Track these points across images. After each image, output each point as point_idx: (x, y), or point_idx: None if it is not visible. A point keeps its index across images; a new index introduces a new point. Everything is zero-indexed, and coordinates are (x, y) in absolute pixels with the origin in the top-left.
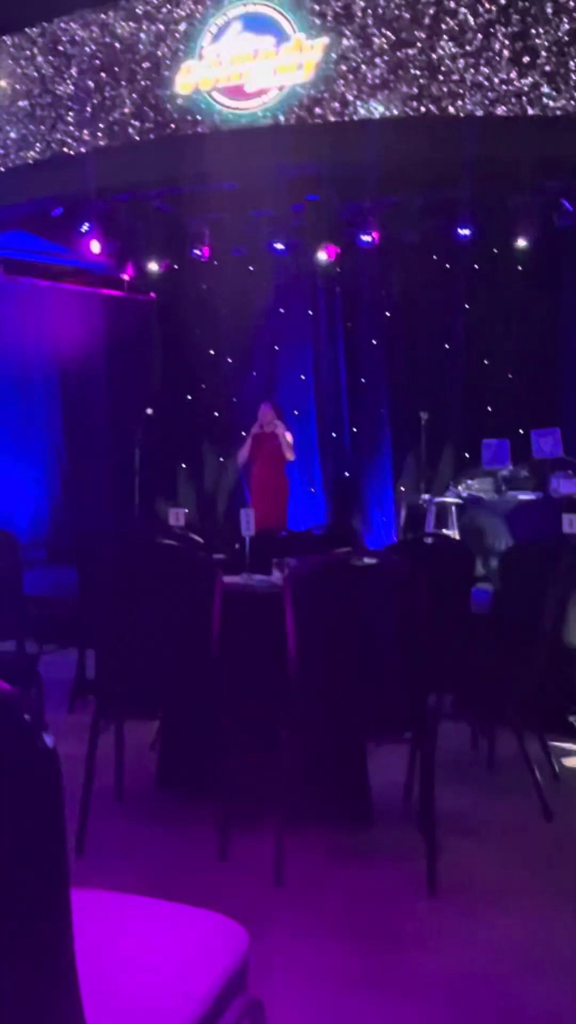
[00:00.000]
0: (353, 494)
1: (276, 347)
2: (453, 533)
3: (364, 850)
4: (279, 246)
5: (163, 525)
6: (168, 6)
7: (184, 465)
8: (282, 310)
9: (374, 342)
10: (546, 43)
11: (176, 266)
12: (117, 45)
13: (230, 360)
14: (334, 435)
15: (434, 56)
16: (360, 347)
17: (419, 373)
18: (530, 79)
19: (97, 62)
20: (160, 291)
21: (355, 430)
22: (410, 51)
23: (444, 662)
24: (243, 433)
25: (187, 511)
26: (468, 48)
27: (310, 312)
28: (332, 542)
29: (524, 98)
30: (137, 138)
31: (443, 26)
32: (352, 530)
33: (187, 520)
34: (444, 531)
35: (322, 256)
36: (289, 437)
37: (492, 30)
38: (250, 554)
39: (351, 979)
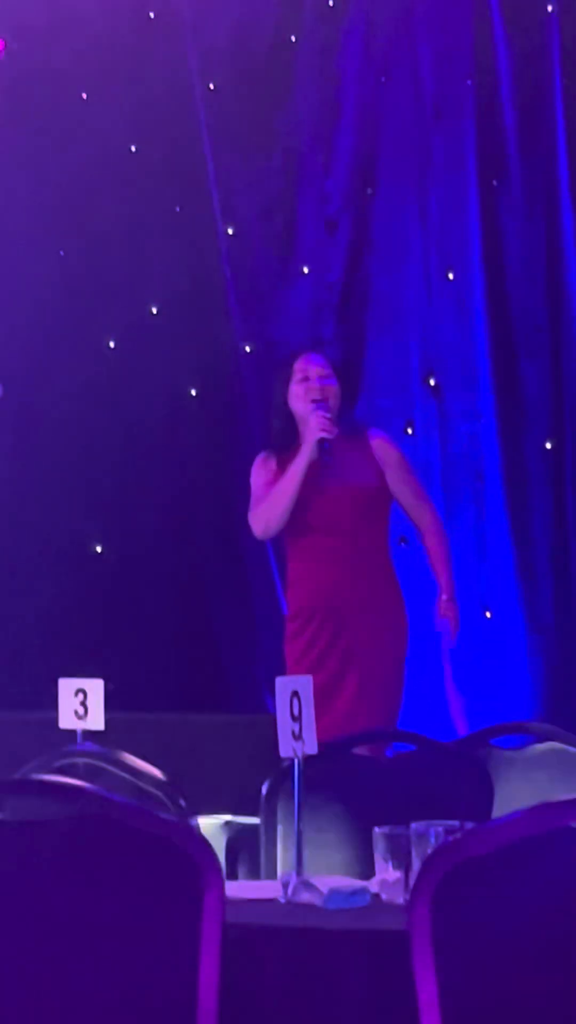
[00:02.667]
0: None
1: (368, 190)
2: None
3: None
4: None
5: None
6: None
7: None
8: (382, 77)
9: None
10: None
11: None
12: None
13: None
14: (548, 446)
15: None
16: None
17: None
18: None
19: None
20: None
21: None
22: None
23: None
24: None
25: (106, 684)
26: None
27: (468, 82)
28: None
29: None
30: None
31: None
32: None
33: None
34: None
35: None
36: (395, 456)
37: None
38: (300, 814)
39: None
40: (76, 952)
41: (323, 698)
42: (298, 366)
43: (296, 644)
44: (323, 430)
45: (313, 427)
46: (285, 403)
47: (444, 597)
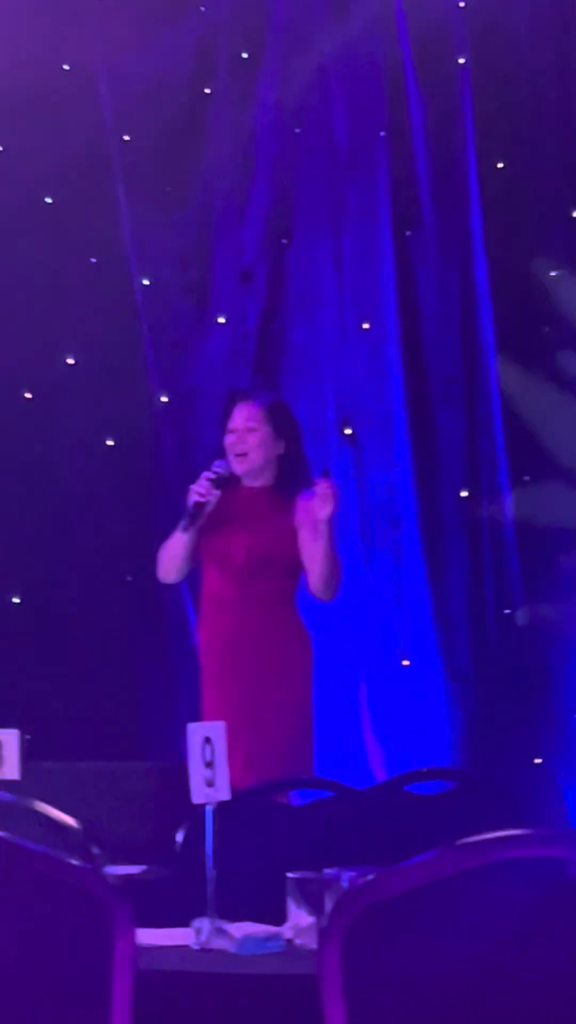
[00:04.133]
0: (525, 684)
1: (283, 240)
2: None
3: None
4: None
5: None
6: None
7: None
8: (295, 128)
9: None
10: None
11: None
12: None
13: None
14: (464, 495)
15: None
16: None
17: None
18: None
19: None
20: None
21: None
22: None
23: None
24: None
25: (23, 733)
26: None
27: (381, 133)
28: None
29: None
30: None
31: None
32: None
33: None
34: None
35: None
36: (327, 504)
37: None
38: (213, 860)
39: None
40: None
41: (253, 740)
42: (231, 416)
43: (203, 687)
44: (198, 492)
45: (192, 491)
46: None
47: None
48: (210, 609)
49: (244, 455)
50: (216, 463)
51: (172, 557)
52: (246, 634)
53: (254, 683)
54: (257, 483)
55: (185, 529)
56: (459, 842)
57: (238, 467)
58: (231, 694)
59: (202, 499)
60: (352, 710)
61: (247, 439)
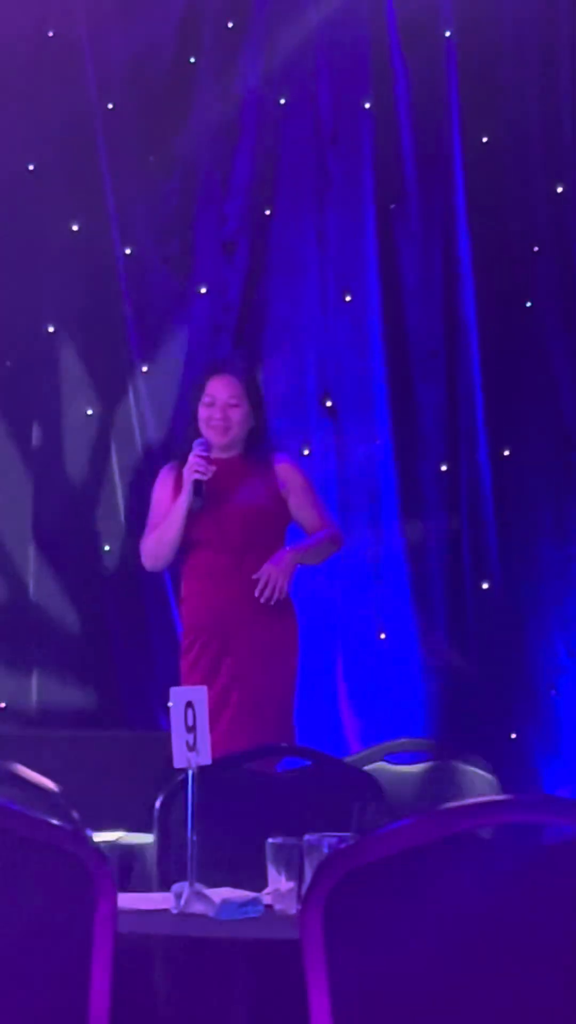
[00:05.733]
0: (502, 658)
1: (266, 211)
2: None
3: None
4: None
5: None
6: None
7: None
8: (280, 99)
9: None
10: None
11: None
12: None
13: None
14: (444, 468)
15: None
16: None
17: None
18: None
19: None
20: None
21: (506, 454)
22: None
23: None
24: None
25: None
26: None
27: (366, 105)
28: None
29: None
30: None
31: None
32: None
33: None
34: None
35: None
36: (299, 481)
37: None
38: (195, 828)
39: None
40: None
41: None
42: (208, 388)
43: (186, 660)
44: (197, 471)
45: (188, 467)
46: (195, 421)
47: (283, 553)
48: (201, 586)
49: (227, 429)
50: (199, 441)
51: (168, 542)
52: (242, 608)
53: (247, 657)
54: (229, 454)
55: (200, 509)
56: (439, 808)
57: (218, 439)
58: (223, 669)
59: (203, 477)
60: (329, 682)
61: (230, 414)
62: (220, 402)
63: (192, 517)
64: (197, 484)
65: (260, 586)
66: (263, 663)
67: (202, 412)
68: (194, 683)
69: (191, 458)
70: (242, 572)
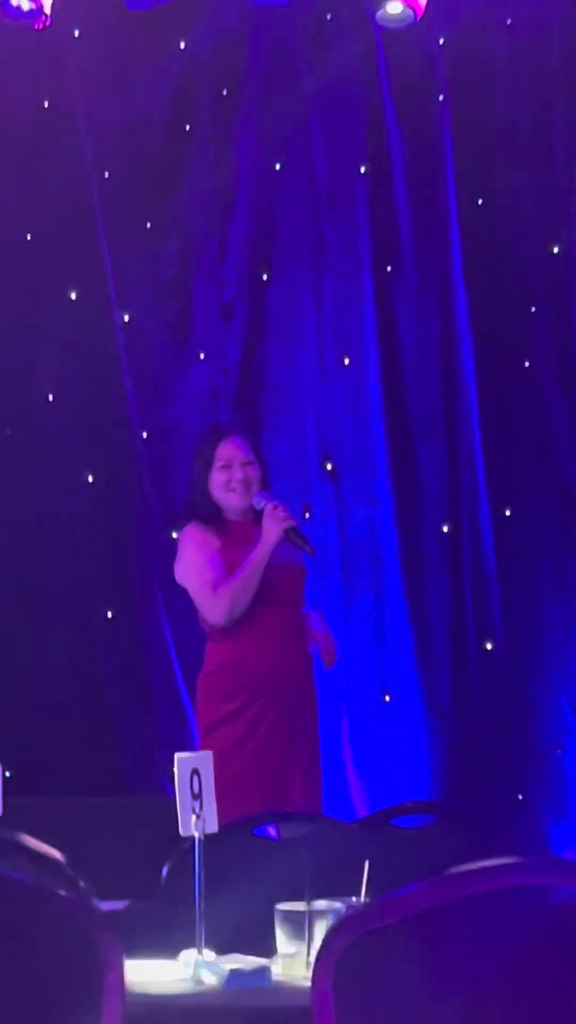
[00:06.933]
0: (507, 718)
1: (263, 276)
2: None
3: None
4: None
5: None
6: None
7: None
8: (276, 164)
9: None
10: None
11: None
12: None
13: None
14: (445, 529)
15: None
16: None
17: None
18: None
19: None
20: None
21: (507, 513)
22: None
23: None
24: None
25: (7, 773)
26: None
27: (361, 169)
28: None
29: None
30: None
31: None
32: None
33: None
34: None
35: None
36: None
37: None
38: (201, 892)
39: None
40: None
41: (281, 775)
42: (220, 452)
43: (237, 724)
44: (287, 519)
45: (276, 520)
46: (205, 486)
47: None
48: (260, 642)
49: (248, 488)
50: (260, 495)
51: (252, 590)
52: (303, 664)
53: (307, 713)
54: (247, 517)
55: (312, 553)
56: (447, 872)
57: (241, 500)
58: (292, 725)
59: (293, 521)
60: (334, 745)
61: (248, 473)
62: (236, 463)
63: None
64: (294, 530)
65: (330, 653)
66: (315, 719)
67: (219, 477)
68: (257, 743)
69: (274, 511)
70: (298, 628)
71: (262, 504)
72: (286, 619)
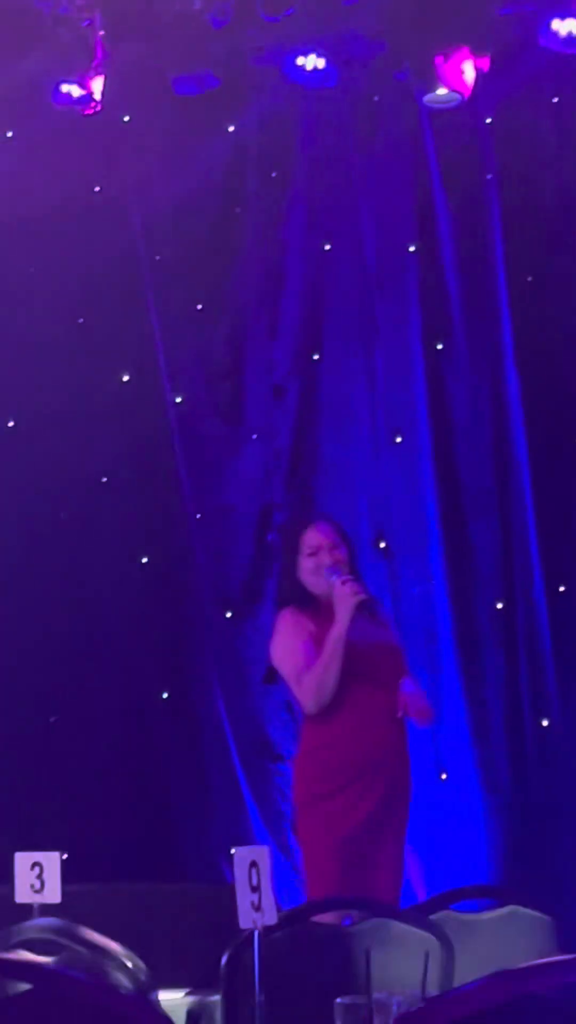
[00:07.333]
0: (565, 795)
1: (314, 356)
2: None
3: None
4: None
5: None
6: None
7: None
8: (325, 245)
9: None
10: None
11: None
12: None
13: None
14: (499, 606)
15: None
16: None
17: None
18: None
19: None
20: None
21: (562, 590)
22: None
23: None
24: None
25: (64, 855)
26: None
27: (410, 248)
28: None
29: None
30: None
31: None
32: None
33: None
34: None
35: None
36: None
37: None
38: (260, 985)
39: None
40: None
41: (370, 860)
42: (306, 540)
43: (335, 802)
44: (356, 594)
45: (346, 595)
46: (295, 573)
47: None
48: (361, 720)
49: (341, 569)
50: (329, 570)
51: (333, 678)
52: (386, 747)
53: (406, 789)
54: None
55: (382, 624)
56: (507, 969)
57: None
58: (394, 802)
59: (363, 595)
60: None
61: (336, 555)
62: (323, 548)
63: (349, 656)
64: (363, 603)
65: (423, 712)
66: (407, 800)
67: (308, 564)
68: (356, 820)
69: (343, 587)
70: (393, 706)
71: (332, 579)
72: (383, 700)
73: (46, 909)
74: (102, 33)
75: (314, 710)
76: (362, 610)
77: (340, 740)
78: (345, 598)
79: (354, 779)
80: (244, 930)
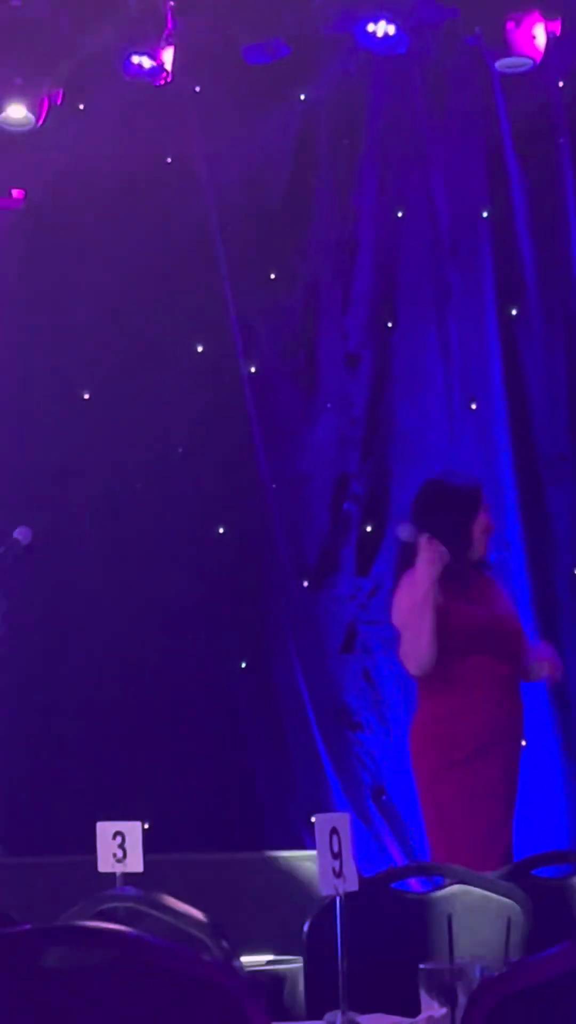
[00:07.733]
0: None
1: (388, 323)
2: None
3: None
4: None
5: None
6: None
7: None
8: (398, 212)
9: None
10: None
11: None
12: None
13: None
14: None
15: None
16: None
17: None
18: None
19: None
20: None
21: None
22: None
23: None
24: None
25: (145, 824)
26: None
27: (483, 214)
28: None
29: None
30: None
31: None
32: None
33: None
34: None
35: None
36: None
37: None
38: (343, 951)
39: None
40: None
41: (498, 829)
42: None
43: (467, 771)
44: (446, 555)
45: (434, 557)
46: (468, 525)
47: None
48: (487, 693)
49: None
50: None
51: (423, 631)
52: (505, 717)
53: (510, 772)
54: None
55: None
56: None
57: (484, 551)
58: (489, 781)
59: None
60: None
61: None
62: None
63: (471, 627)
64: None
65: (552, 667)
66: (517, 768)
67: (480, 526)
68: (484, 799)
69: (433, 550)
70: (516, 680)
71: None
72: (501, 671)
73: (129, 878)
74: (172, 4)
75: (414, 673)
76: (466, 578)
77: (457, 711)
78: (436, 558)
79: (483, 747)
80: (325, 897)
